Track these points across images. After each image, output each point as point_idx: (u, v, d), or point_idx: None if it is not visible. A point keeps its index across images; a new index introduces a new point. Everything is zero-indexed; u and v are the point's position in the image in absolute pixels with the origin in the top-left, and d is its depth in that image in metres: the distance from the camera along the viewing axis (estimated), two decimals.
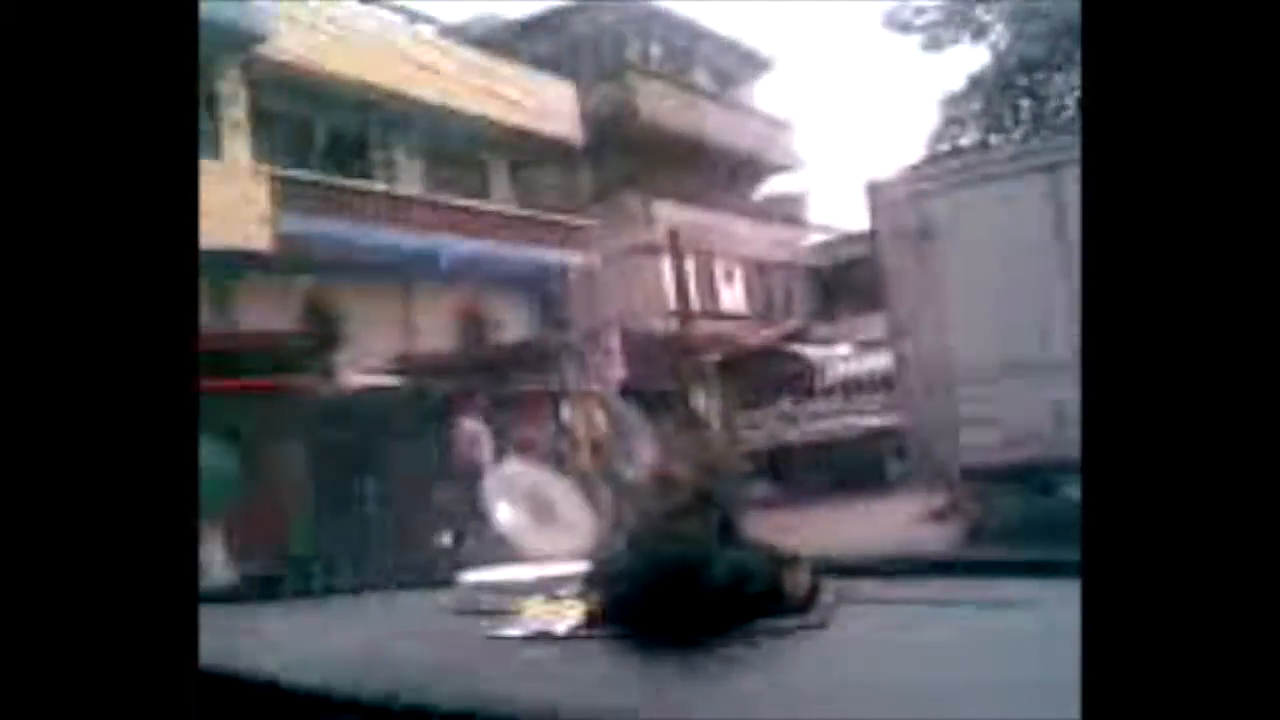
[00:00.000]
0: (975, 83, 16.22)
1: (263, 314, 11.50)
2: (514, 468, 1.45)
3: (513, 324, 15.27)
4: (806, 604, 0.96)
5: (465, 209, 14.71)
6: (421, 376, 11.56)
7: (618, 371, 13.16)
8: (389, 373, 11.73)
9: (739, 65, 22.49)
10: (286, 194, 12.12)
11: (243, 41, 11.72)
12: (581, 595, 1.07)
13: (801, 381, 15.77)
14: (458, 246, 13.97)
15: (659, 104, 18.09)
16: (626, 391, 12.27)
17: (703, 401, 14.98)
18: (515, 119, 15.18)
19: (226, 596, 1.55)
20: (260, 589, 1.53)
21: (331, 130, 13.65)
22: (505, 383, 10.97)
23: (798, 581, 0.98)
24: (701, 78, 21.26)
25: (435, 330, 13.81)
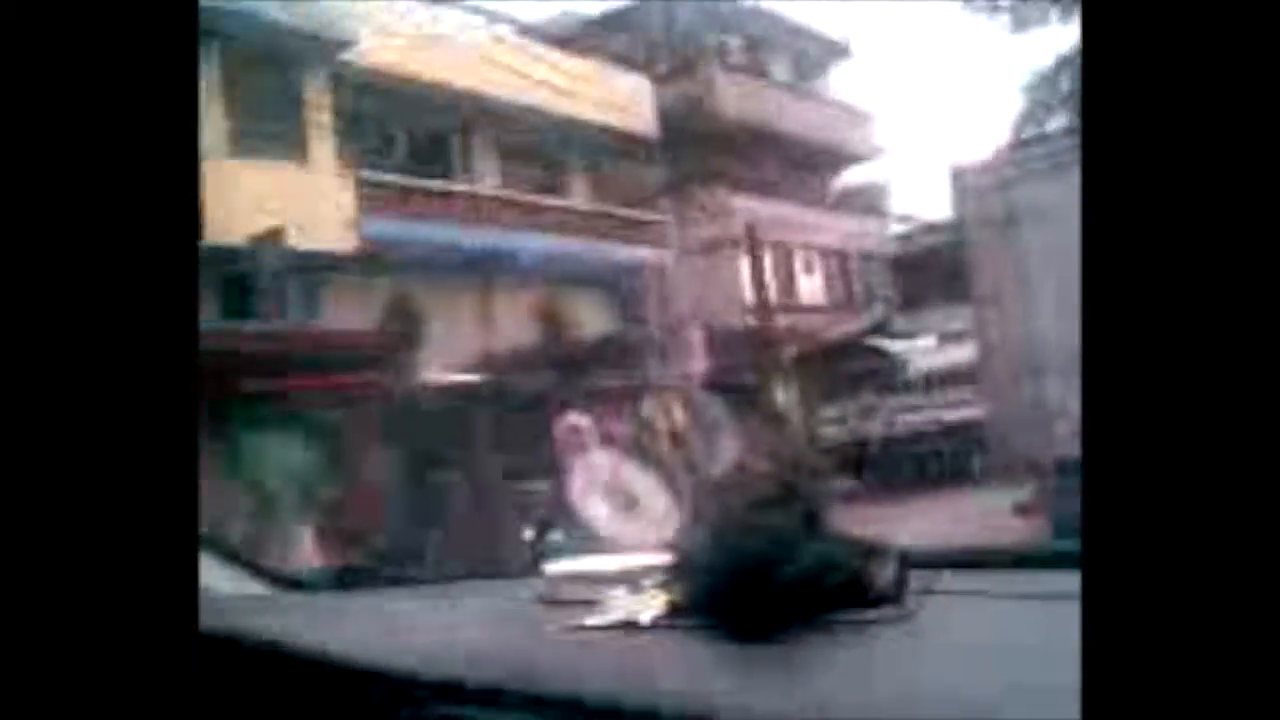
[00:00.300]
0: (1064, 63, 15.64)
1: (349, 314, 11.82)
2: (597, 461, 1.46)
3: (592, 320, 15.37)
4: (894, 596, 0.95)
5: (543, 207, 14.88)
6: (502, 373, 11.74)
7: (698, 366, 13.15)
8: (471, 370, 11.94)
9: (817, 54, 22.22)
10: (370, 196, 12.42)
11: (329, 48, 12.05)
12: (665, 586, 1.07)
13: (883, 375, 15.54)
14: (536, 244, 14.13)
15: (736, 96, 17.99)
16: (707, 386, 12.26)
17: (783, 396, 14.87)
18: (593, 115, 15.26)
19: (315, 586, 1.60)
20: (348, 580, 1.58)
21: (413, 132, 13.94)
22: (586, 379, 11.07)
23: (884, 573, 0.97)
24: (779, 68, 21.07)
25: (515, 327, 13.99)
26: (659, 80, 17.14)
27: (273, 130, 11.68)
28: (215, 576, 1.41)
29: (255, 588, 1.45)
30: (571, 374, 11.37)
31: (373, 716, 0.96)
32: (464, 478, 10.20)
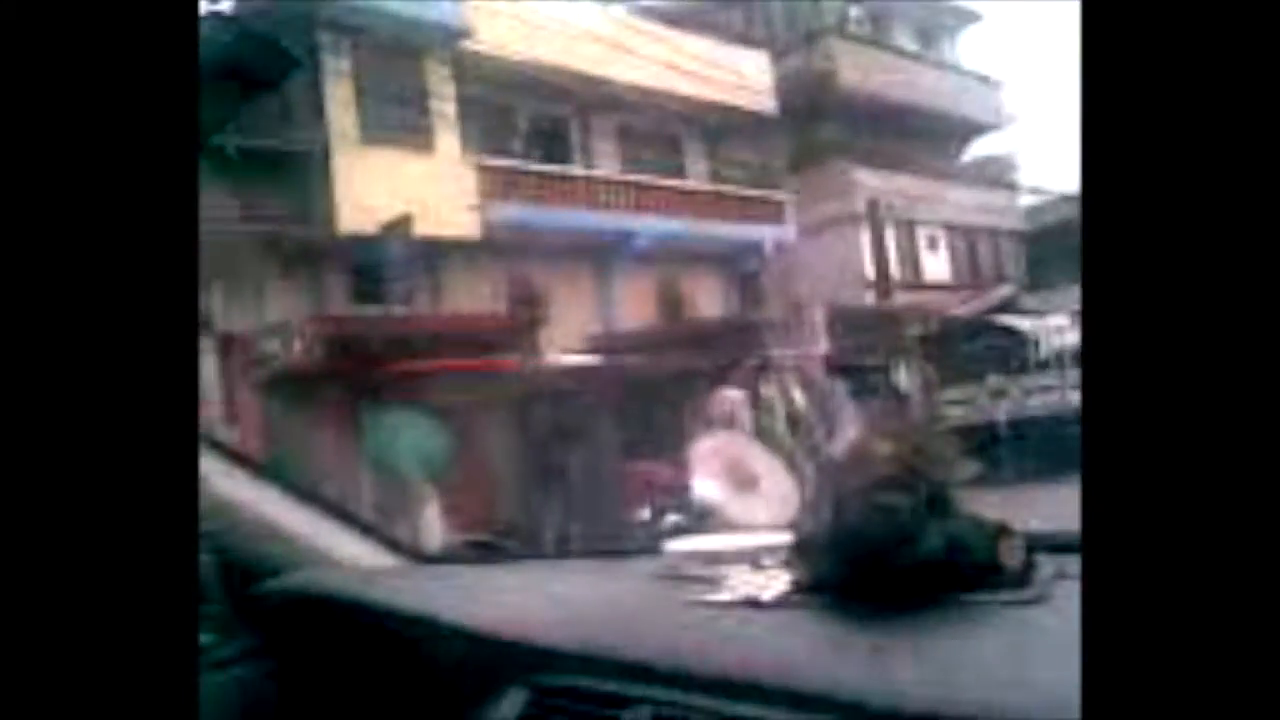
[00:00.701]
0: None
1: (473, 298, 12.14)
2: (716, 441, 1.47)
3: (710, 301, 15.35)
4: (1022, 578, 0.92)
5: (661, 188, 14.90)
6: (621, 354, 11.86)
7: (819, 346, 12.97)
8: (590, 351, 12.11)
9: (943, 20, 21.48)
10: (491, 182, 12.71)
11: (450, 38, 12.35)
12: (787, 564, 1.06)
13: (1013, 354, 14.98)
14: (655, 225, 14.18)
15: (858, 68, 17.57)
16: (828, 366, 12.08)
17: (906, 376, 14.52)
18: (710, 93, 15.18)
19: (440, 559, 1.66)
20: (473, 553, 1.63)
21: (532, 117, 14.16)
22: (704, 359, 11.07)
23: (1013, 555, 0.94)
24: (903, 36, 20.46)
25: (634, 309, 14.10)
26: (777, 55, 16.89)
27: (399, 120, 12.07)
28: (351, 548, 1.48)
29: (388, 559, 1.51)
30: (690, 355, 11.39)
31: (501, 685, 0.99)
32: (583, 457, 10.37)
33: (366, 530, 1.53)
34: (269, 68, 1.18)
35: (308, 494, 1.49)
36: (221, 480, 1.37)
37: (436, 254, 11.93)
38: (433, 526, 6.02)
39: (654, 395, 10.95)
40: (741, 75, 15.78)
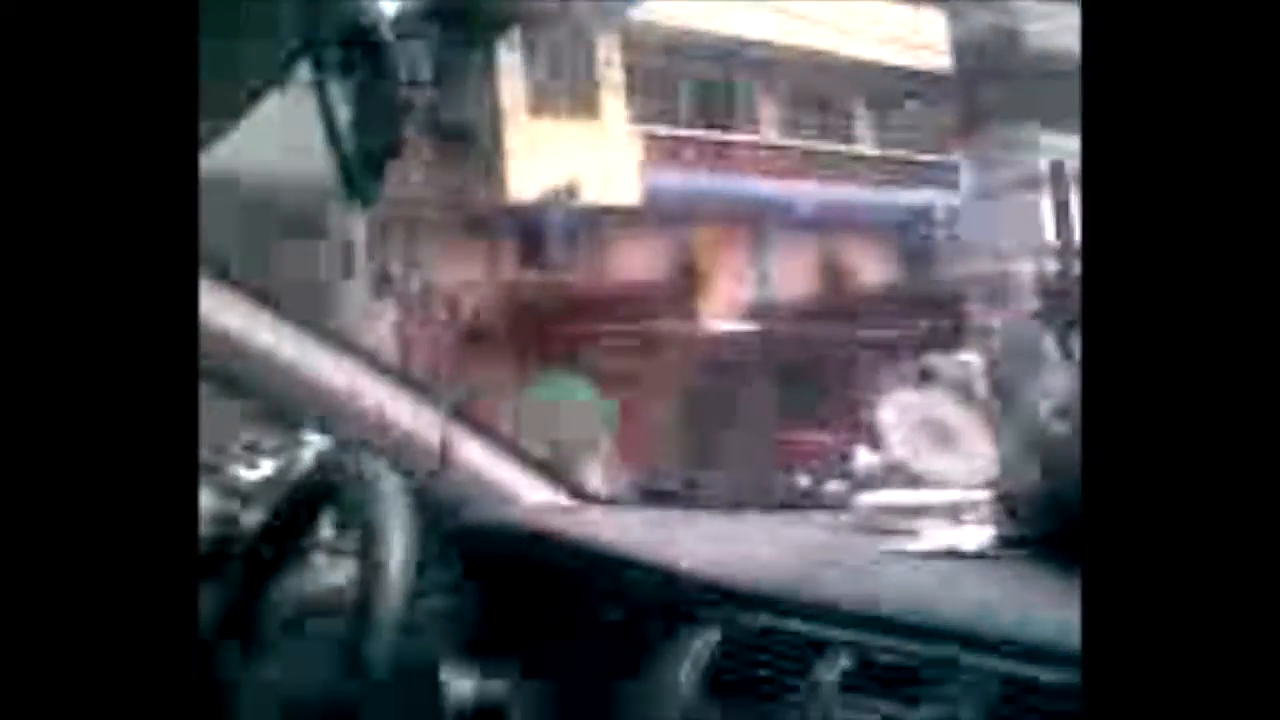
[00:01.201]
0: None
1: (634, 264, 12.28)
2: (908, 398, 1.42)
3: (880, 269, 14.93)
4: None
5: (827, 153, 14.56)
6: (783, 321, 11.74)
7: (1008, 308, 12.45)
8: (750, 318, 12.05)
9: None
10: (655, 149, 12.76)
11: (619, 8, 12.42)
12: (989, 518, 1.03)
13: None
14: (818, 192, 13.89)
15: (1042, 22, 16.56)
16: (1021, 328, 11.61)
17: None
18: (882, 55, 14.64)
19: (616, 501, 1.68)
20: (646, 497, 1.63)
21: (697, 83, 14.08)
22: (881, 327, 10.84)
23: None
24: None
25: (797, 275, 13.90)
26: (954, 11, 16.11)
27: (566, 89, 12.28)
28: (524, 487, 1.51)
29: (559, 499, 1.54)
30: (855, 322, 11.16)
31: (695, 626, 0.99)
32: (742, 423, 10.36)
33: (544, 470, 1.56)
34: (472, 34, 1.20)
35: (491, 435, 1.54)
36: (414, 422, 1.44)
37: (600, 220, 12.11)
38: (595, 476, 6.18)
39: (815, 363, 10.80)
40: (916, 33, 15.12)
